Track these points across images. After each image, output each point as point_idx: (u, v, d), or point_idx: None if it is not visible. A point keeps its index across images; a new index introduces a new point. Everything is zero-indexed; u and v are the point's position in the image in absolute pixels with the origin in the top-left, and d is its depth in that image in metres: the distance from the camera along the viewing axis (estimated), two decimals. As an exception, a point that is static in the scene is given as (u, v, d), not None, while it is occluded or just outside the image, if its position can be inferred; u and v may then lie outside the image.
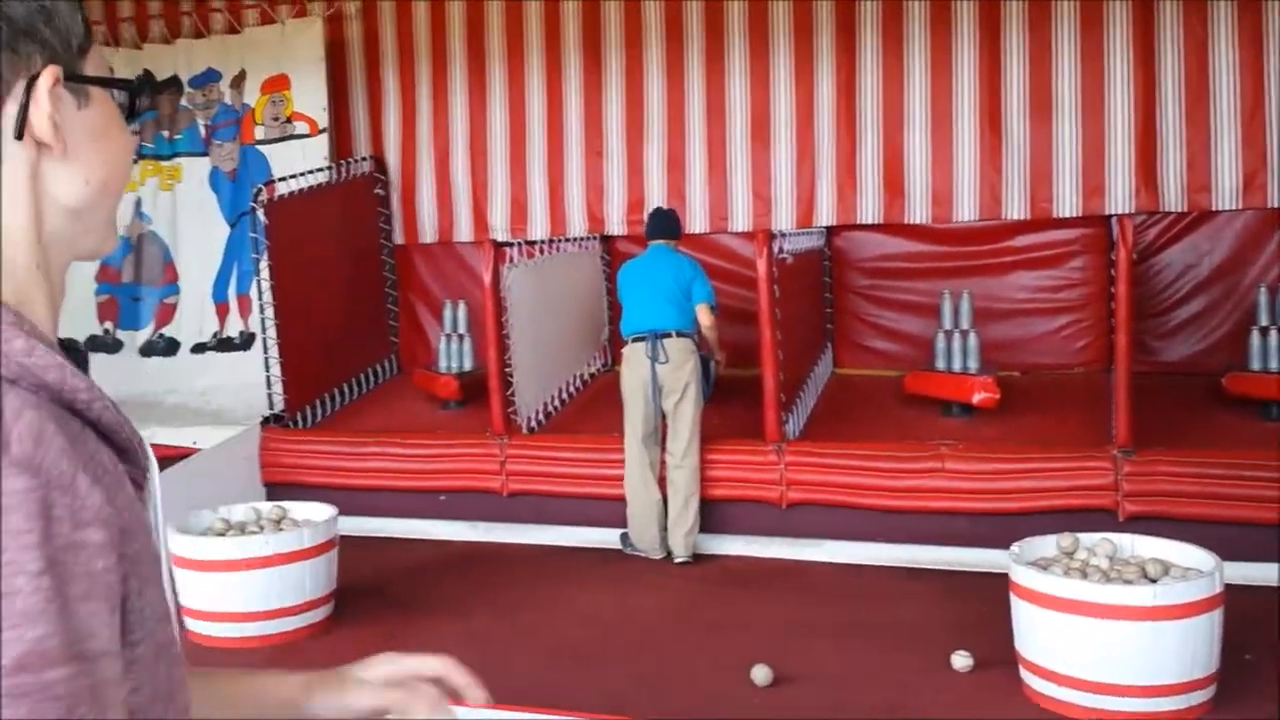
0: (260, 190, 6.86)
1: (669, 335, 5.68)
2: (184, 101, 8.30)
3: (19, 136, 0.79)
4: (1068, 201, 6.78)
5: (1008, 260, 6.96)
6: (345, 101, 8.09)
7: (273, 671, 1.14)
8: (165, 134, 8.33)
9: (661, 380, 5.66)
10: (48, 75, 0.80)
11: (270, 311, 6.78)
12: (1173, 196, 6.61)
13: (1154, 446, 5.29)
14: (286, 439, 6.72)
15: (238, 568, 4.72)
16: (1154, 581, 3.77)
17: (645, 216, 6.54)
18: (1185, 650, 3.63)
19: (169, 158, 8.32)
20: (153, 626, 0.79)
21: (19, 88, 0.79)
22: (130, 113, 0.89)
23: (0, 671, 0.66)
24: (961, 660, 4.15)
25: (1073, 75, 6.71)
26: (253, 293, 7.31)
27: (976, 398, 5.91)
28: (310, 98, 7.97)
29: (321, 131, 7.94)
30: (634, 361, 5.73)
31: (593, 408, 6.71)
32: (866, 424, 6.14)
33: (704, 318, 5.81)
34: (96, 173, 0.85)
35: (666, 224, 6.05)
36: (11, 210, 0.81)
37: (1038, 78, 6.76)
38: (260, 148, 8.09)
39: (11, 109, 0.79)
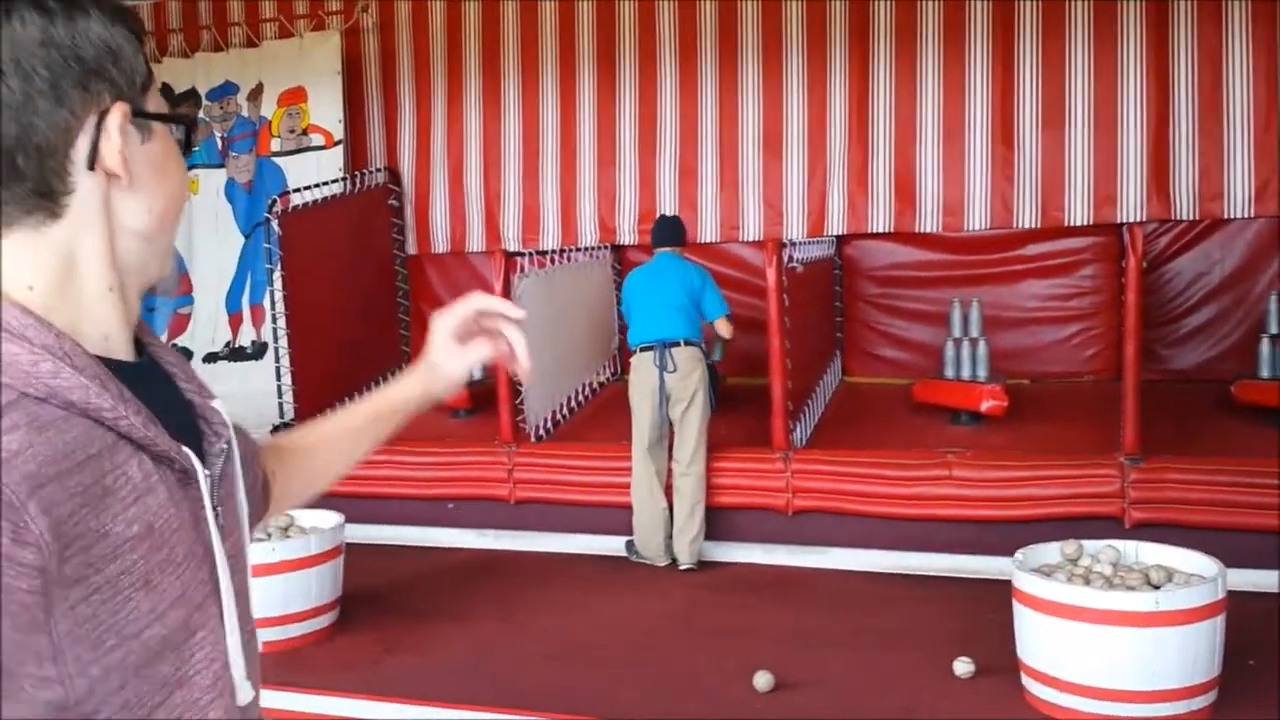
0: (275, 201, 6.93)
1: (677, 344, 5.68)
2: (201, 114, 8.38)
3: (91, 167, 0.86)
4: (1079, 210, 6.75)
5: (1018, 269, 6.95)
6: (361, 114, 8.16)
7: (387, 389, 1.33)
8: (183, 146, 8.41)
9: (669, 389, 5.66)
10: (118, 112, 0.87)
11: (283, 321, 6.83)
12: (1185, 205, 6.58)
13: (1162, 454, 5.26)
14: (298, 447, 6.74)
15: (244, 573, 4.75)
16: (1157, 588, 3.76)
17: (654, 225, 6.56)
18: (1187, 656, 3.62)
19: (186, 169, 8.38)
20: (137, 630, 0.80)
21: (90, 122, 0.86)
22: (186, 146, 0.97)
23: None
24: (963, 666, 4.14)
25: (1086, 85, 6.68)
26: (266, 303, 7.37)
27: (984, 405, 5.89)
28: (326, 110, 8.04)
29: (337, 143, 8.01)
30: (642, 370, 5.73)
31: (601, 416, 6.73)
32: (874, 432, 6.13)
33: (724, 330, 5.82)
34: (159, 203, 0.92)
35: (672, 231, 6.03)
36: (85, 235, 0.87)
37: (1050, 87, 6.75)
38: (276, 159, 8.17)
39: (84, 142, 0.86)
